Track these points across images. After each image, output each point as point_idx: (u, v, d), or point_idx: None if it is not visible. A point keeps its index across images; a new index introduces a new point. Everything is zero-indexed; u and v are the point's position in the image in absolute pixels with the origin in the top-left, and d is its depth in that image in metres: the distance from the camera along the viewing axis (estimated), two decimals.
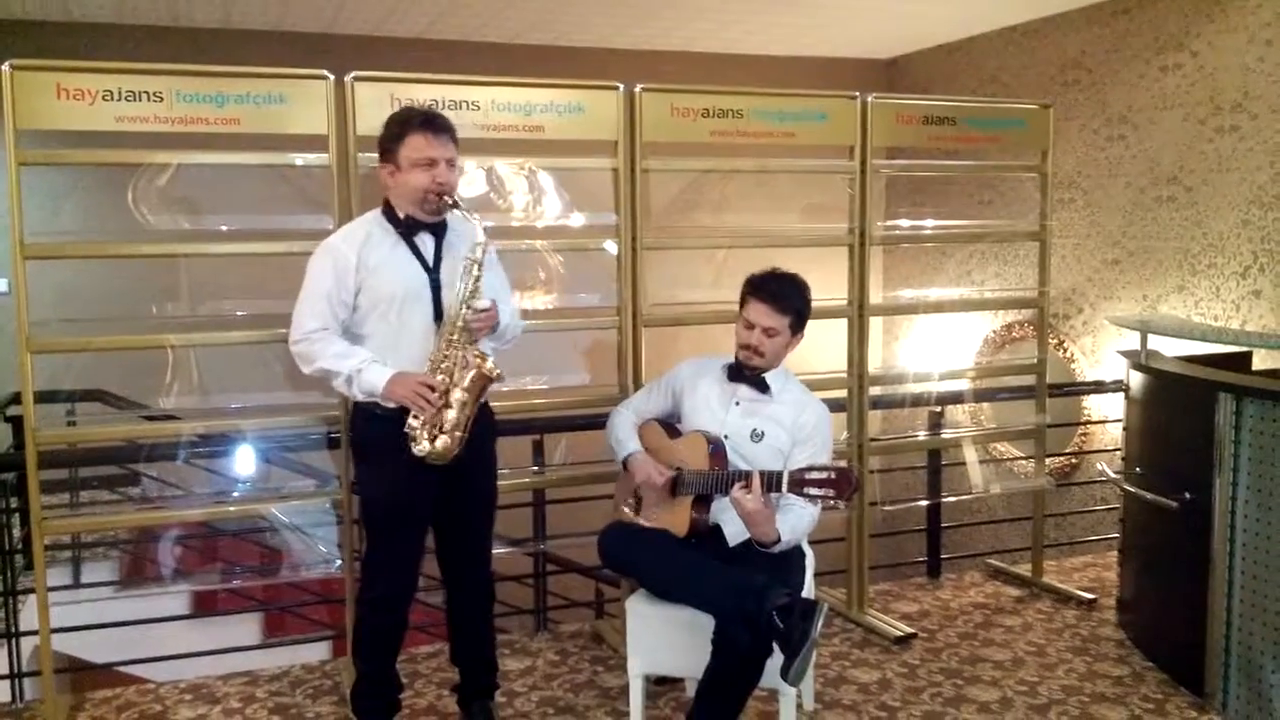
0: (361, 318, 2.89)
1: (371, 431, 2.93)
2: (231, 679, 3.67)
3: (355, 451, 3.07)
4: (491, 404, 3.44)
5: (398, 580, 2.99)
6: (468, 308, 2.82)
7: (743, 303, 3.10)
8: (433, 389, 2.78)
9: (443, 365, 2.82)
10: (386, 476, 2.93)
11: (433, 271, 2.89)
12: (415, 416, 2.81)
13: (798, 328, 3.07)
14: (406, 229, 2.89)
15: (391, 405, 2.83)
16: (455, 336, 2.82)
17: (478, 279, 2.83)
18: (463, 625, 3.20)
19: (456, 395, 2.80)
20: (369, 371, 2.81)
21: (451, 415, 2.81)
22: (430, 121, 2.84)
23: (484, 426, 3.01)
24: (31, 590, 3.40)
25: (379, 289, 2.85)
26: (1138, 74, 6.20)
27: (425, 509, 2.98)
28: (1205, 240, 5.79)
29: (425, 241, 2.90)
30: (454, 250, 2.92)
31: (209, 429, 3.40)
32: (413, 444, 2.81)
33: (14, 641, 3.81)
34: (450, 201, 2.84)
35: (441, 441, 2.81)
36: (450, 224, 2.94)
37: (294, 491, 3.56)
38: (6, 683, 3.69)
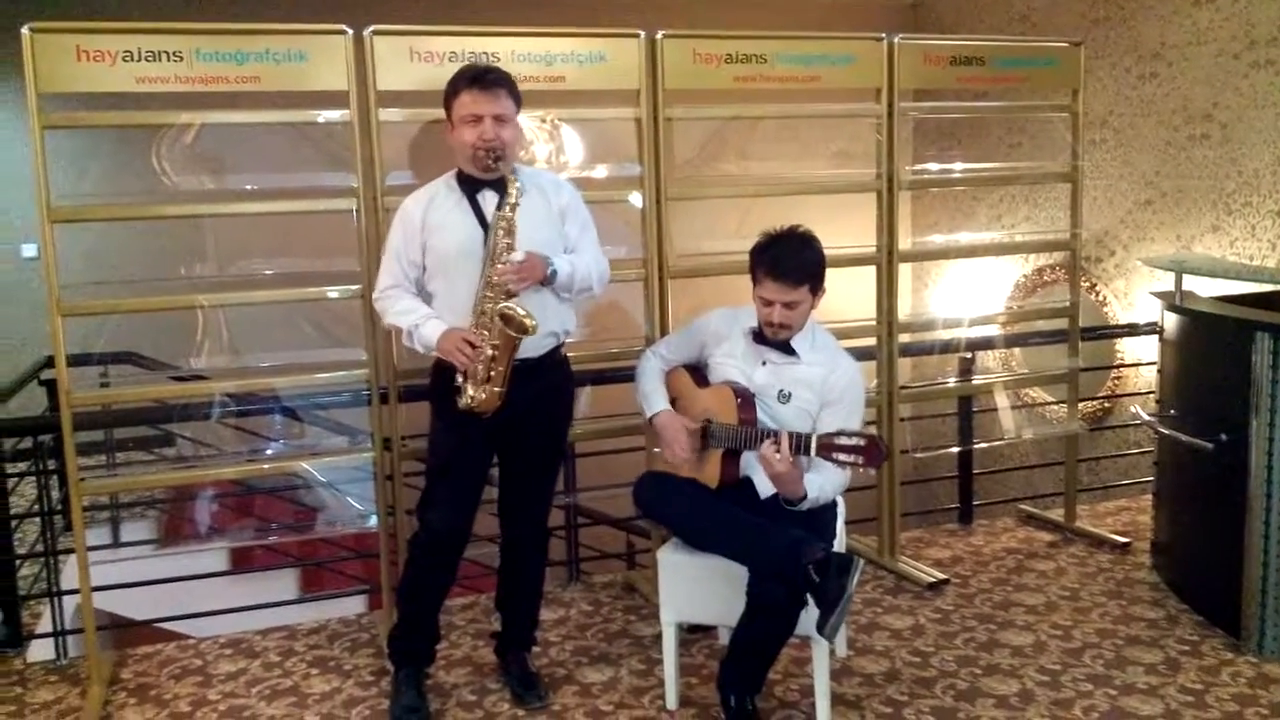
0: (429, 276, 2.98)
1: (435, 382, 3.02)
2: (270, 633, 3.72)
3: (430, 403, 3.12)
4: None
5: (449, 523, 3.02)
6: (497, 262, 2.82)
7: (754, 278, 3.01)
8: (472, 345, 2.80)
9: (481, 321, 2.84)
10: (447, 425, 3.00)
11: (490, 230, 2.89)
12: (460, 371, 2.86)
13: (817, 288, 3.00)
14: (470, 187, 2.92)
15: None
16: (489, 292, 2.83)
17: (506, 231, 2.82)
18: (513, 574, 3.24)
19: (487, 350, 2.82)
20: (425, 327, 2.89)
21: (488, 369, 2.84)
22: (479, 78, 2.84)
23: (556, 382, 3.08)
24: (72, 550, 3.45)
25: (438, 247, 2.92)
26: (1170, 9, 6.06)
27: (483, 459, 3.05)
28: (1240, 178, 5.68)
29: (487, 199, 2.91)
30: (526, 205, 2.91)
31: (240, 388, 3.42)
32: (458, 396, 2.87)
33: (57, 600, 3.87)
34: (495, 156, 2.82)
35: (480, 395, 2.85)
36: (523, 180, 2.94)
37: (327, 448, 3.58)
38: (51, 640, 3.76)
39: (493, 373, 2.83)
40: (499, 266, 2.81)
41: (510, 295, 2.81)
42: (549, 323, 2.95)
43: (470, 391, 2.85)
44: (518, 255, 2.82)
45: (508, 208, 2.84)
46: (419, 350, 2.97)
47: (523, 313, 2.79)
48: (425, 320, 2.91)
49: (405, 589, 3.14)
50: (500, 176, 2.89)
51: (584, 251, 3.04)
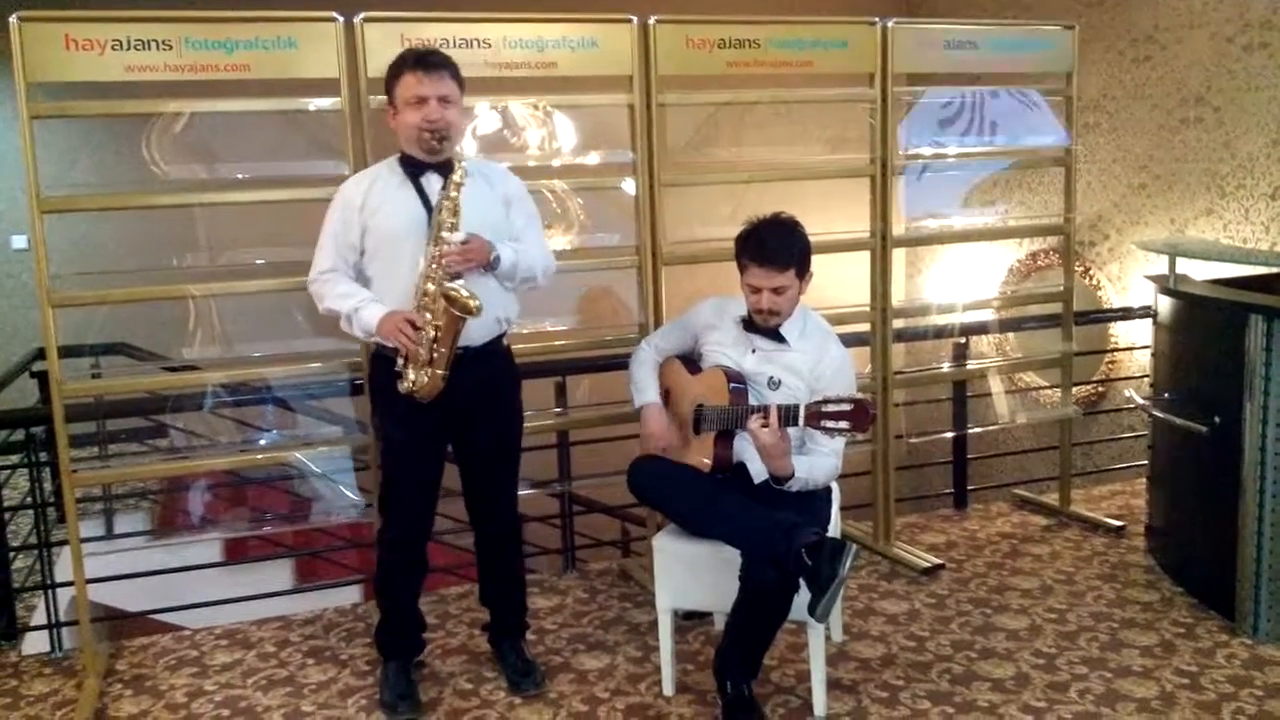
0: (368, 259, 2.93)
1: (380, 372, 2.97)
2: (265, 624, 3.72)
3: (371, 394, 3.10)
4: (518, 344, 3.46)
5: (411, 519, 3.03)
6: (442, 242, 2.78)
7: (740, 266, 3.02)
8: (415, 326, 2.77)
9: (423, 302, 2.79)
10: (395, 417, 2.96)
11: (434, 210, 2.86)
12: (401, 354, 2.82)
13: (803, 271, 3.00)
14: (413, 169, 2.89)
15: (390, 344, 2.84)
16: (431, 271, 2.78)
17: (451, 211, 2.79)
18: (490, 567, 3.24)
19: (430, 332, 2.78)
20: (365, 310, 2.84)
21: (429, 352, 2.79)
22: (421, 60, 2.83)
23: (500, 371, 3.04)
24: (65, 542, 3.44)
25: (379, 229, 2.88)
26: None
27: (436, 449, 3.01)
28: (1234, 162, 5.68)
29: (431, 181, 2.89)
30: (471, 190, 2.87)
31: (232, 378, 3.41)
32: (399, 381, 2.83)
33: (51, 593, 3.86)
34: (441, 136, 2.81)
35: (423, 378, 2.80)
36: (469, 166, 2.91)
37: (319, 438, 3.57)
38: (46, 633, 3.75)
39: (435, 355, 2.78)
40: (442, 247, 2.77)
41: (454, 277, 2.78)
42: (492, 309, 2.90)
43: (411, 375, 2.81)
44: (458, 235, 2.77)
45: (453, 187, 2.80)
46: (359, 336, 2.93)
47: (466, 294, 2.75)
48: (365, 304, 2.86)
49: (381, 586, 3.15)
50: (445, 159, 2.87)
51: (529, 242, 3.02)
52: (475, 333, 2.87)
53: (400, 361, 2.83)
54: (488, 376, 2.98)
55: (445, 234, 2.77)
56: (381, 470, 3.09)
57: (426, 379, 2.80)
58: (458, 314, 2.75)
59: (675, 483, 3.00)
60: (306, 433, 3.53)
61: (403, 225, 2.86)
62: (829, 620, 2.83)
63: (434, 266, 2.78)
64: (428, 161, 2.88)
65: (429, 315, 2.78)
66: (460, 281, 2.78)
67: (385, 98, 2.97)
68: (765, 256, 2.94)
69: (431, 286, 2.78)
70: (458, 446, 3.08)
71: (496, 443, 3.09)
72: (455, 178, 2.81)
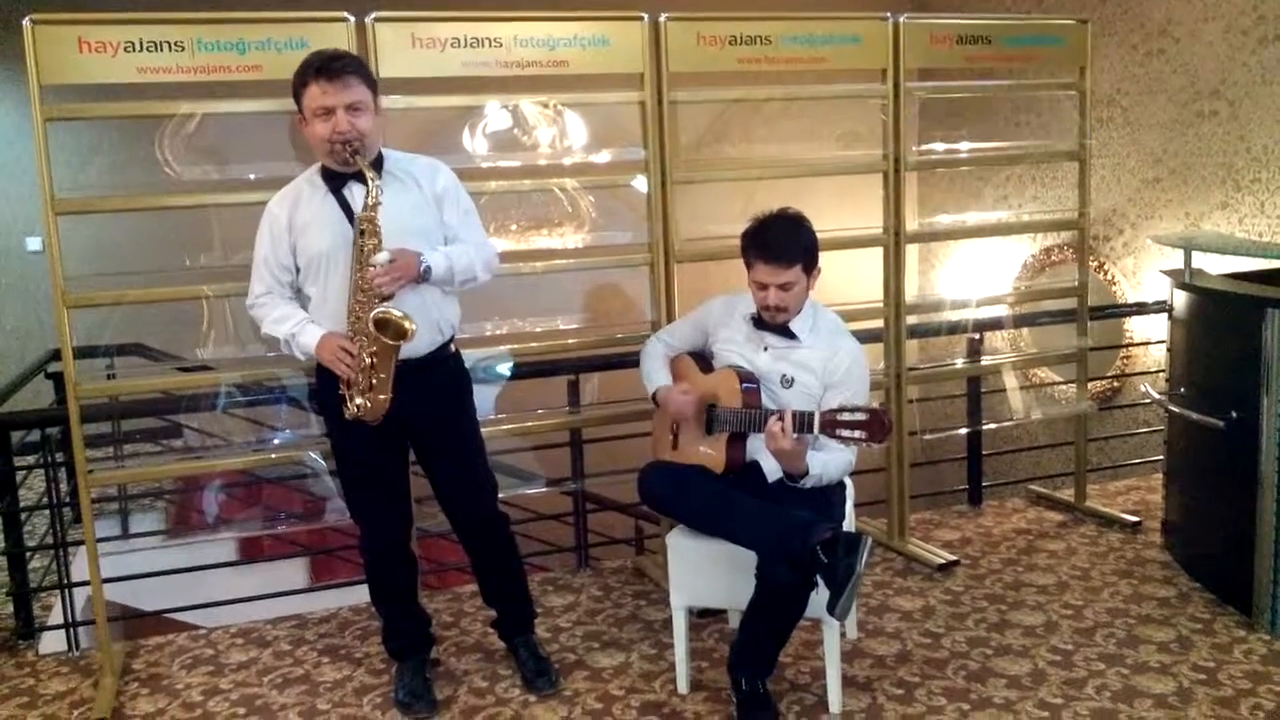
0: (303, 278, 2.86)
1: (324, 387, 2.92)
2: (280, 622, 3.73)
3: (321, 408, 3.05)
4: (530, 343, 3.43)
5: (387, 524, 3.03)
6: (366, 266, 2.68)
7: (747, 263, 2.99)
8: (351, 353, 2.71)
9: (356, 326, 2.73)
10: (346, 430, 2.88)
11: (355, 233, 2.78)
12: (342, 379, 2.78)
13: (811, 266, 2.97)
14: (334, 182, 2.80)
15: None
16: (360, 297, 2.71)
17: (371, 232, 2.69)
18: (483, 566, 3.22)
19: (365, 359, 2.72)
20: (302, 334, 2.79)
21: (370, 378, 2.73)
22: (324, 69, 2.68)
23: (446, 381, 2.99)
24: (81, 542, 3.45)
25: (309, 247, 2.81)
26: None
27: (394, 453, 2.98)
28: (1249, 155, 5.64)
29: (355, 193, 2.78)
30: (395, 197, 2.78)
31: (246, 378, 3.42)
32: (344, 405, 2.78)
33: (67, 592, 3.88)
34: (353, 149, 2.68)
35: (366, 404, 2.75)
36: (389, 169, 2.83)
37: None
38: (62, 632, 3.77)
39: (375, 380, 2.72)
40: (367, 271, 2.67)
41: (386, 298, 2.68)
42: (431, 320, 2.84)
43: (357, 400, 2.75)
44: (383, 256, 2.66)
45: (368, 206, 2.70)
46: (299, 359, 2.88)
47: (399, 315, 2.66)
48: (301, 327, 2.79)
49: (375, 593, 3.15)
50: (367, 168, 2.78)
51: (465, 239, 2.92)
52: (417, 343, 2.77)
53: (343, 387, 2.77)
54: (433, 386, 2.91)
55: (368, 255, 2.68)
56: (343, 483, 3.05)
57: (370, 404, 2.75)
58: (389, 340, 2.68)
59: (686, 487, 2.98)
60: (320, 431, 3.54)
61: (330, 244, 2.78)
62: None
63: (361, 293, 2.70)
64: (346, 173, 2.78)
65: (364, 340, 2.71)
66: (393, 302, 2.69)
67: (396, 98, 2.96)
68: (771, 253, 2.91)
69: (362, 313, 2.69)
70: (418, 455, 3.03)
71: (454, 441, 3.02)
72: (370, 197, 2.69)
